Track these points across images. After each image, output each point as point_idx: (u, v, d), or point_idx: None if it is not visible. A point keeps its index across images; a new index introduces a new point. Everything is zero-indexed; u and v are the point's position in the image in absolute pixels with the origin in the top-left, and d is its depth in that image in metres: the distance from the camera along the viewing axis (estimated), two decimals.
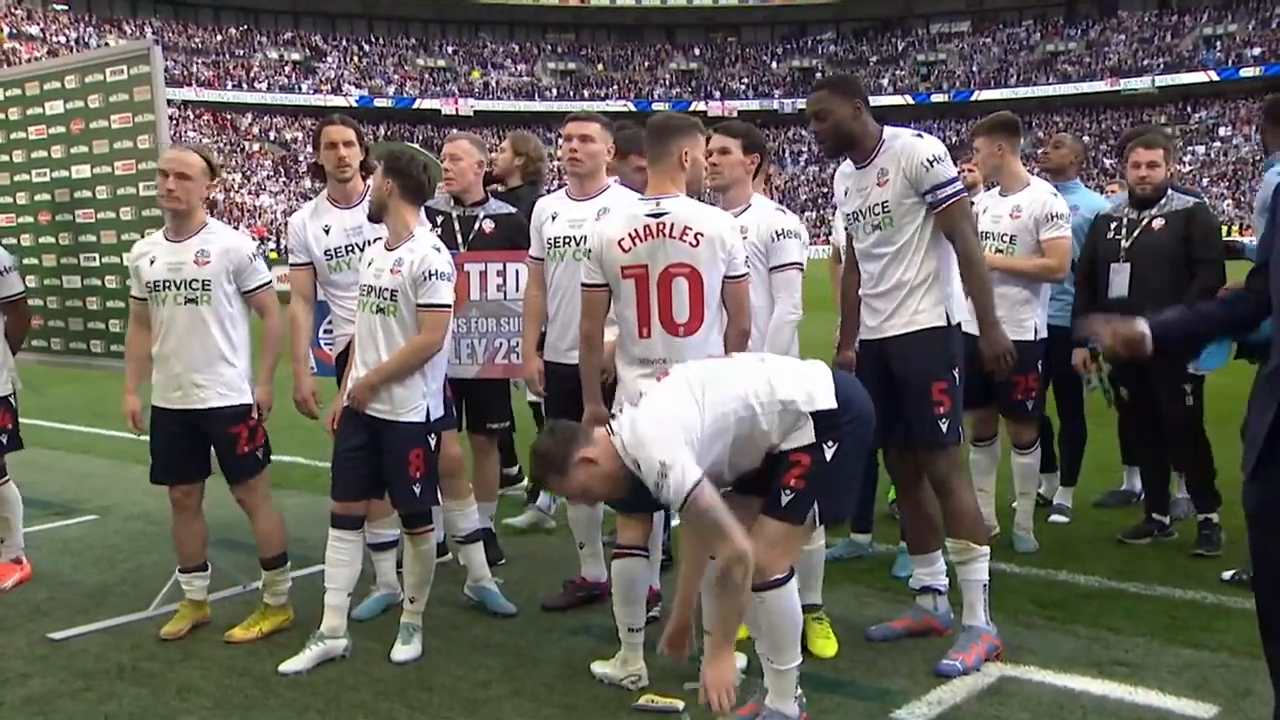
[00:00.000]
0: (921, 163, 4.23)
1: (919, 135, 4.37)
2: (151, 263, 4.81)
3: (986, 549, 4.42)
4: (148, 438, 4.94)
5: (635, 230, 4.12)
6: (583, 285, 4.32)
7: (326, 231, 5.18)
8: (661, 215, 4.10)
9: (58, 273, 6.06)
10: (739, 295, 4.20)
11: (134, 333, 4.99)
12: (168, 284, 4.78)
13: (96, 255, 5.86)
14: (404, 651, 4.56)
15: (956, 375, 4.36)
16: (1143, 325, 3.19)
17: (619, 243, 4.12)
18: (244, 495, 4.96)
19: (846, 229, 4.66)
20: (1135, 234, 5.64)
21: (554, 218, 4.97)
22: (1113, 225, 5.75)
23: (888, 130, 4.39)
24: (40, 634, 5.01)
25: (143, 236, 5.50)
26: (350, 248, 5.12)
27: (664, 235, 4.09)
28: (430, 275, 4.40)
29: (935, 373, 4.32)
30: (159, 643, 4.86)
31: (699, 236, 4.08)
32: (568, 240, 4.88)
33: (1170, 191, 5.70)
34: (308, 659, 4.48)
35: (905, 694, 4.10)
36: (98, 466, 8.90)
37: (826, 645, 4.50)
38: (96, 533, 6.85)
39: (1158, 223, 5.60)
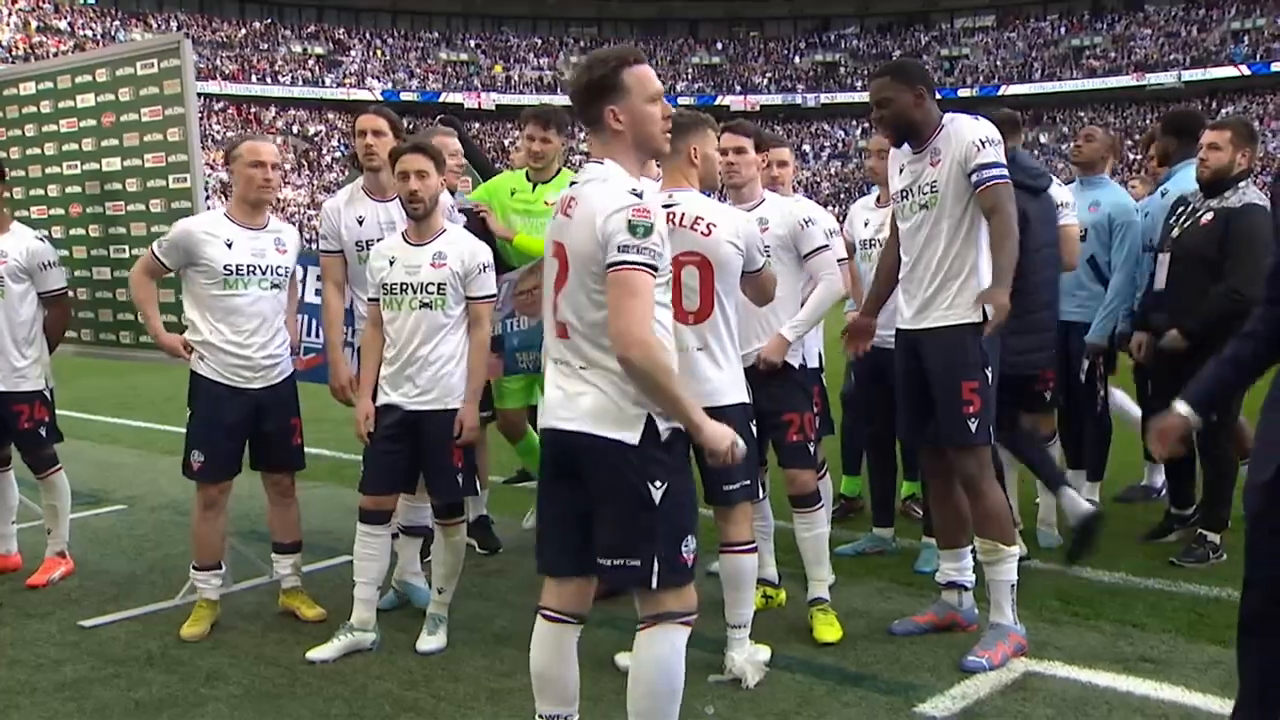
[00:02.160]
0: (973, 141, 4.24)
1: (976, 118, 4.38)
2: (230, 246, 4.87)
3: (1015, 549, 4.40)
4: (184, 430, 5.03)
5: None
6: None
7: (360, 222, 5.16)
8: (672, 206, 4.16)
9: (88, 264, 6.10)
10: (759, 285, 4.23)
11: (147, 282, 5.06)
12: (253, 269, 4.90)
13: (127, 247, 5.90)
14: (430, 642, 4.60)
15: (989, 374, 4.30)
16: (1183, 410, 3.09)
17: None
18: (290, 483, 5.11)
19: (894, 209, 4.63)
20: (1186, 225, 5.39)
21: None
22: (1179, 211, 5.49)
23: (947, 115, 4.38)
24: (71, 621, 5.08)
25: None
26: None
27: (674, 224, 4.13)
28: (482, 267, 4.56)
29: (967, 371, 4.27)
30: None
31: (710, 227, 4.13)
32: None
33: (1243, 185, 5.30)
34: (336, 648, 4.53)
35: (928, 688, 4.10)
36: (125, 457, 8.99)
37: (831, 631, 4.60)
38: (124, 522, 6.92)
39: (1206, 217, 5.29)
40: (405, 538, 5.09)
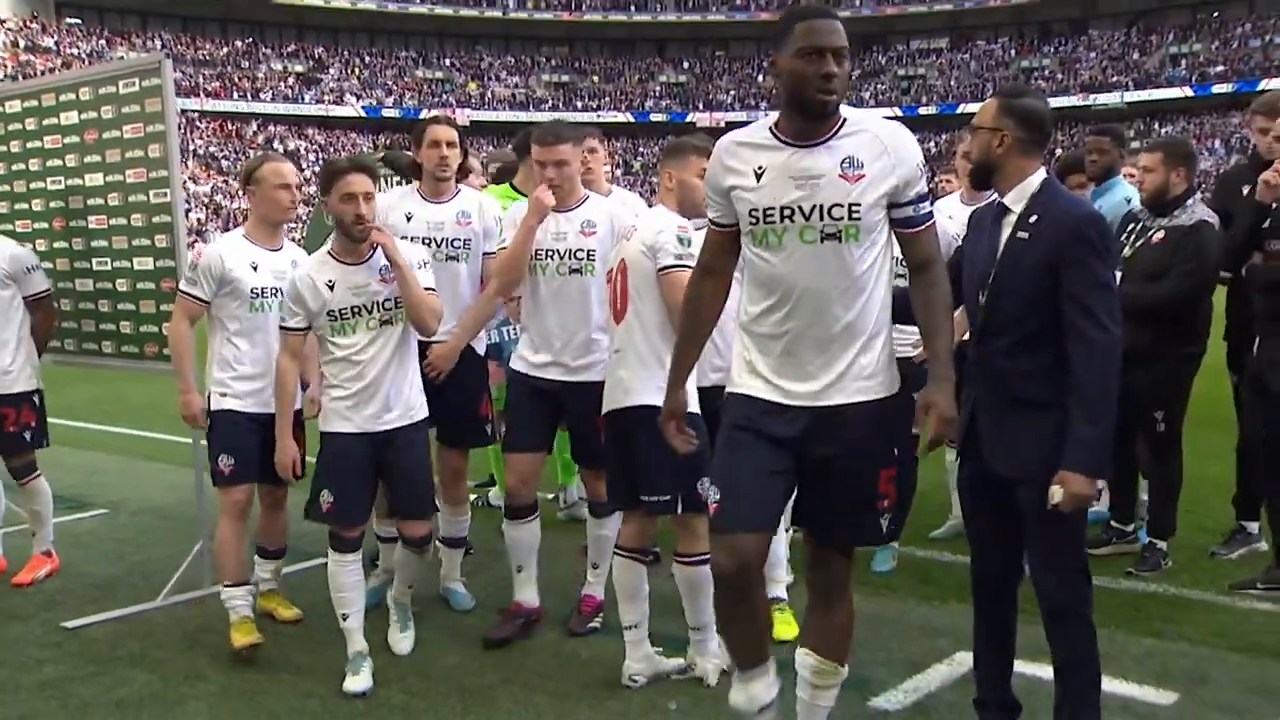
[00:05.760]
0: (919, 164, 3.05)
1: (899, 123, 3.15)
2: (255, 268, 4.68)
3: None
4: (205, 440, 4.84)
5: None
6: None
7: (408, 219, 4.92)
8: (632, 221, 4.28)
9: (71, 276, 6.06)
10: (663, 286, 4.02)
11: (188, 332, 4.76)
12: (276, 291, 4.65)
13: (108, 259, 5.86)
14: (404, 641, 4.57)
15: (906, 456, 3.33)
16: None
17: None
18: (283, 494, 4.95)
19: (721, 225, 3.19)
20: (1138, 244, 5.21)
21: None
22: (1128, 228, 5.35)
23: (847, 109, 3.05)
24: (55, 622, 5.04)
25: (153, 242, 5.56)
26: (428, 240, 4.84)
27: (624, 236, 4.26)
28: (424, 264, 4.42)
29: (885, 457, 3.12)
30: (167, 631, 4.90)
31: (631, 231, 4.21)
32: (550, 253, 4.57)
33: (1191, 204, 5.15)
34: (368, 678, 4.25)
35: (883, 683, 4.13)
36: (107, 462, 8.90)
37: (788, 629, 4.47)
38: (106, 526, 6.86)
39: (1158, 235, 5.13)
40: (448, 549, 5.08)
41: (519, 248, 4.50)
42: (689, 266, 3.68)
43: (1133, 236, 5.29)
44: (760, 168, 3.03)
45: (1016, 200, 3.36)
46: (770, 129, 3.05)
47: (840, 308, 3.00)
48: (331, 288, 4.25)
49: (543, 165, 4.51)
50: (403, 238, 4.81)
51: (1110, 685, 4.00)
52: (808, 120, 2.98)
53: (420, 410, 4.41)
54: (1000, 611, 3.58)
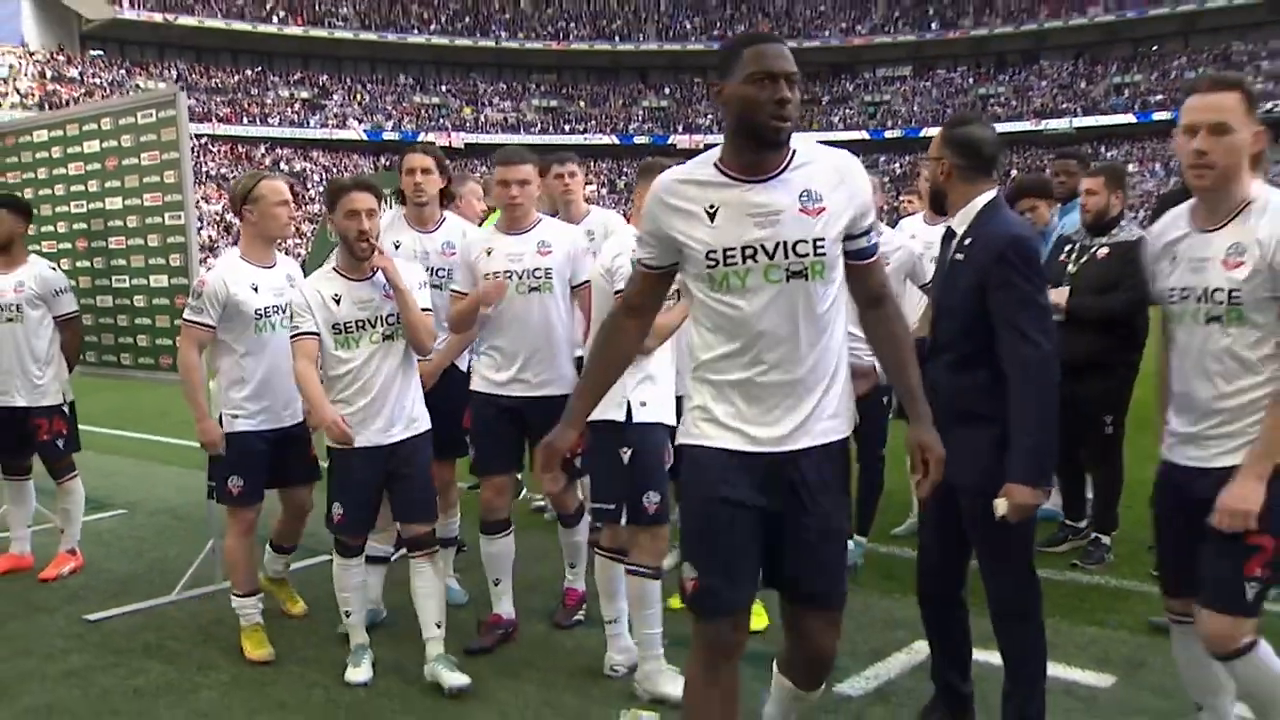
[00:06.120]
0: (869, 193, 2.71)
1: (846, 151, 2.74)
2: (255, 289, 4.56)
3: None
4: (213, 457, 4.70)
5: None
6: None
7: (396, 247, 4.83)
8: None
9: (92, 293, 6.07)
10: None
11: (198, 362, 4.59)
12: (276, 309, 4.56)
13: (127, 278, 5.87)
14: (455, 678, 4.15)
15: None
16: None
17: None
18: (306, 495, 4.84)
19: (652, 267, 2.76)
20: (1082, 260, 5.26)
21: (489, 253, 4.49)
22: (1066, 248, 5.35)
23: (802, 142, 2.67)
24: (77, 615, 5.06)
25: (168, 262, 5.58)
26: None
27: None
28: (423, 285, 4.32)
29: (846, 500, 2.83)
30: (182, 624, 4.91)
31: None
32: (508, 275, 4.42)
33: (1125, 223, 5.27)
34: (368, 670, 4.28)
35: (846, 670, 4.15)
36: (125, 466, 8.89)
37: (758, 620, 4.35)
38: (125, 526, 6.86)
39: (1102, 251, 5.18)
40: (441, 549, 5.04)
41: (466, 315, 4.49)
42: None
43: (1074, 254, 5.32)
44: (712, 206, 2.60)
45: (961, 224, 3.33)
46: (715, 165, 2.63)
47: (807, 347, 2.61)
48: (338, 301, 4.15)
49: (506, 184, 4.44)
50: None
51: (1054, 670, 4.00)
52: (759, 151, 2.58)
53: (423, 421, 4.30)
54: (948, 613, 3.56)
